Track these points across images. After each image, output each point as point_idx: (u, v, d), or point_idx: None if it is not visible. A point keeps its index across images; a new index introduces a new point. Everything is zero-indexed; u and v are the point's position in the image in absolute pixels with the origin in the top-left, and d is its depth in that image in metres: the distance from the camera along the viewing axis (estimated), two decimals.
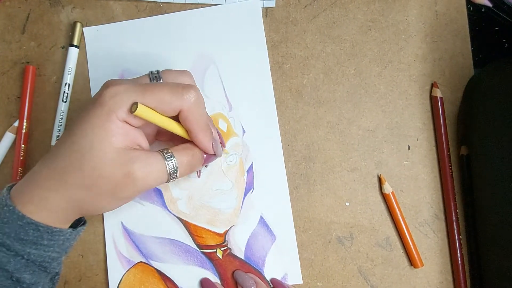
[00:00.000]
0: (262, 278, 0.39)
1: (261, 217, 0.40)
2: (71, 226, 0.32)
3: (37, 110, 0.41)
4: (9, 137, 0.40)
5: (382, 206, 0.41)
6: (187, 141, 0.34)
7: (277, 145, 0.41)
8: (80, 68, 0.42)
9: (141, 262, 0.39)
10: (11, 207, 0.28)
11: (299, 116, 0.42)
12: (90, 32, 0.42)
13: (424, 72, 0.42)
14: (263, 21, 0.42)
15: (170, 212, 0.40)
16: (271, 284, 0.39)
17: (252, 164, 0.41)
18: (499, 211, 0.35)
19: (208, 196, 0.40)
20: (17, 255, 0.28)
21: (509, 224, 0.34)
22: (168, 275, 0.39)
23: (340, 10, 0.42)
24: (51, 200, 0.29)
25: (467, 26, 0.42)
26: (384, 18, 0.42)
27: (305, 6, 0.43)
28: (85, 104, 0.31)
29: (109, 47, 0.42)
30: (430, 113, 0.42)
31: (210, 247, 0.40)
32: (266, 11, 0.42)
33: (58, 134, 0.40)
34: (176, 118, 0.32)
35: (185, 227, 0.40)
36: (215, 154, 0.34)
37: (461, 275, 0.39)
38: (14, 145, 0.41)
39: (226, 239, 0.40)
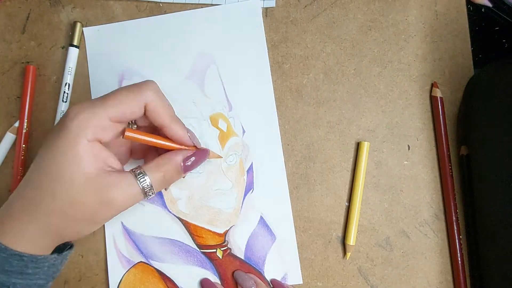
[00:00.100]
0: (262, 278, 0.39)
1: (261, 217, 0.40)
2: (58, 251, 0.32)
3: (37, 110, 0.41)
4: (9, 137, 0.40)
5: (382, 206, 0.41)
6: (160, 154, 0.34)
7: (277, 145, 0.41)
8: (80, 68, 0.42)
9: (141, 262, 0.39)
10: None
11: (299, 116, 0.42)
12: (90, 32, 0.42)
13: (424, 72, 0.42)
14: (263, 21, 0.42)
15: (170, 212, 0.40)
16: (271, 284, 0.39)
17: (252, 164, 0.41)
18: (499, 211, 0.35)
19: (208, 196, 0.40)
20: (2, 286, 0.28)
21: (509, 224, 0.34)
22: (168, 275, 0.39)
23: (340, 10, 0.43)
24: (29, 231, 0.29)
25: (467, 26, 0.42)
26: (384, 18, 0.42)
27: (305, 6, 0.43)
28: (52, 129, 0.31)
29: (109, 47, 0.42)
30: (430, 113, 0.42)
31: (210, 247, 0.40)
32: (266, 11, 0.42)
33: None
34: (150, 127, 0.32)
35: (185, 227, 0.40)
36: (203, 152, 0.34)
37: (461, 275, 0.39)
38: (14, 145, 0.41)
39: (226, 239, 0.40)
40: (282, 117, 0.41)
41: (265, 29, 0.42)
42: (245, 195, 0.40)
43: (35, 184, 0.29)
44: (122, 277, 0.39)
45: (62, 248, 0.32)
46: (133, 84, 0.31)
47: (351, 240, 0.39)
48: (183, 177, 0.37)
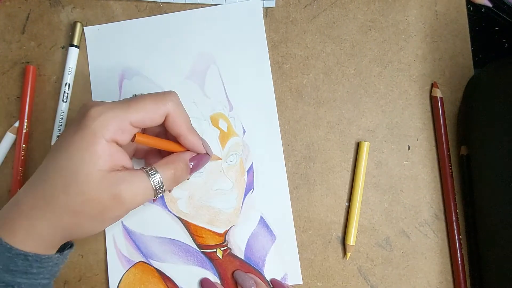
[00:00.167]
0: (262, 278, 0.39)
1: (261, 217, 0.40)
2: (59, 250, 0.32)
3: (37, 110, 0.41)
4: (9, 137, 0.40)
5: (382, 206, 0.41)
6: (163, 155, 0.35)
7: (278, 145, 0.41)
8: (80, 68, 0.42)
9: (141, 261, 0.39)
10: None
11: (299, 116, 0.42)
12: (90, 32, 0.42)
13: (424, 72, 0.42)
14: (263, 21, 0.42)
15: (170, 212, 0.40)
16: (271, 284, 0.39)
17: (252, 164, 0.41)
18: (499, 211, 0.35)
19: (208, 196, 0.40)
20: (7, 286, 0.28)
21: (509, 224, 0.34)
22: (168, 275, 0.39)
23: (340, 10, 0.43)
24: (38, 228, 0.29)
25: (467, 26, 0.42)
26: (384, 18, 0.42)
27: (305, 6, 0.43)
28: (67, 126, 0.31)
29: (110, 46, 0.42)
30: (430, 113, 0.42)
31: (210, 247, 0.40)
32: (266, 11, 0.42)
33: (58, 134, 0.40)
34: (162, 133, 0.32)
35: (185, 227, 0.40)
36: (207, 154, 0.35)
37: (461, 275, 0.39)
38: (14, 145, 0.41)
39: (226, 239, 0.40)
40: (282, 117, 0.41)
41: (265, 29, 0.42)
42: (245, 195, 0.40)
43: (48, 180, 0.29)
44: (122, 276, 0.39)
45: (63, 248, 0.33)
46: (156, 93, 0.32)
47: (351, 240, 0.39)
48: (187, 179, 0.37)
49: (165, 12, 0.42)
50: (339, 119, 0.42)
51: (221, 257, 0.40)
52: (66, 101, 0.41)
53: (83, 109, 0.30)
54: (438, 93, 0.41)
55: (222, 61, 0.42)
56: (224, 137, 0.41)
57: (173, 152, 0.34)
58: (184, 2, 0.42)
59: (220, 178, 0.40)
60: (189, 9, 0.42)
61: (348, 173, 0.41)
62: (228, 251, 0.40)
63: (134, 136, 0.31)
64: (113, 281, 0.39)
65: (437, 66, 0.42)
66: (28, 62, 0.42)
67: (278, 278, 0.40)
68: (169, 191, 0.40)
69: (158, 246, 0.40)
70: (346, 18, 0.42)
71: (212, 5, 0.42)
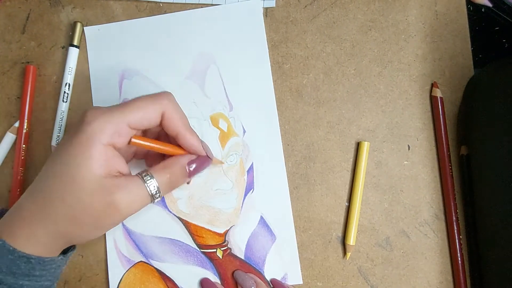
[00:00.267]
0: (262, 278, 0.39)
1: (261, 217, 0.40)
2: (62, 252, 0.32)
3: (37, 110, 0.41)
4: (9, 137, 0.40)
5: (382, 206, 0.41)
6: (163, 157, 0.34)
7: (278, 145, 0.41)
8: (80, 68, 0.42)
9: (141, 261, 0.39)
10: (0, 242, 0.28)
11: (299, 116, 0.42)
12: (91, 32, 0.42)
13: (424, 72, 0.42)
14: (264, 21, 0.42)
15: (170, 212, 0.40)
16: (271, 284, 0.39)
17: (252, 164, 0.41)
18: (499, 211, 0.35)
19: (208, 196, 0.40)
20: None
21: (509, 224, 0.34)
22: (168, 275, 0.39)
23: (340, 10, 0.43)
24: (39, 235, 0.29)
25: (467, 26, 0.42)
26: (384, 18, 0.42)
27: (305, 6, 0.43)
28: (66, 133, 0.31)
29: (110, 46, 0.42)
30: (430, 113, 0.42)
31: (210, 247, 0.40)
32: (266, 11, 0.42)
33: (58, 134, 0.40)
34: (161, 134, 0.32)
35: (185, 227, 0.40)
36: (207, 157, 0.34)
37: (461, 275, 0.39)
38: (14, 145, 0.41)
39: (226, 239, 0.40)
40: (282, 117, 0.41)
41: (265, 29, 0.42)
42: (245, 195, 0.40)
43: (46, 187, 0.29)
44: (122, 276, 0.39)
45: (65, 249, 0.33)
46: (151, 94, 0.32)
47: (351, 240, 0.39)
48: (188, 183, 0.37)
49: (165, 12, 0.42)
50: (339, 119, 0.42)
51: (221, 257, 0.40)
52: (66, 101, 0.41)
53: (81, 114, 0.30)
54: (438, 93, 0.41)
55: (222, 61, 0.42)
56: (224, 137, 0.41)
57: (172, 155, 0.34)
58: (184, 2, 0.42)
59: (220, 178, 0.40)
60: (189, 9, 0.42)
61: (348, 173, 0.41)
62: (228, 251, 0.40)
63: (130, 139, 0.31)
64: (113, 281, 0.39)
65: (437, 66, 0.42)
66: (28, 62, 0.42)
67: (278, 278, 0.40)
68: None
69: (158, 246, 0.40)
70: (346, 18, 0.42)
71: (212, 5, 0.42)
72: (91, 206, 0.28)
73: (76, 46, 0.41)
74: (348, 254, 0.40)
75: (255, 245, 0.40)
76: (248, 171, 0.41)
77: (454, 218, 0.40)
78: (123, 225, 0.40)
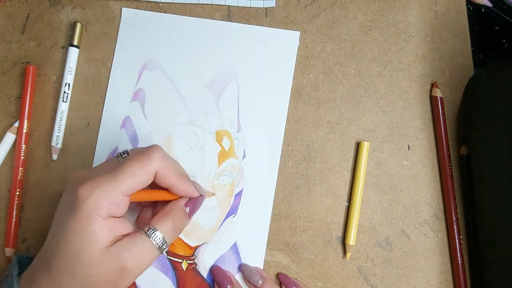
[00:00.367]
0: None
1: (235, 243, 0.40)
2: None
3: (37, 110, 0.41)
4: (9, 137, 0.40)
5: (382, 206, 0.41)
6: (155, 201, 0.34)
7: (273, 178, 0.40)
8: (80, 68, 0.42)
9: None
10: None
11: (299, 116, 0.42)
12: (127, 14, 0.42)
13: (424, 72, 0.42)
14: (263, 21, 0.42)
15: None
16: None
17: (242, 190, 0.40)
18: (499, 211, 0.35)
19: None
20: None
21: (509, 224, 0.34)
22: None
23: (340, 10, 0.43)
24: None
25: (467, 26, 0.42)
26: (384, 18, 0.42)
27: (305, 6, 0.43)
28: (60, 207, 0.30)
29: (142, 33, 0.42)
30: (430, 113, 0.42)
31: (177, 256, 0.40)
32: (266, 11, 0.42)
33: (58, 134, 0.40)
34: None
35: None
36: (201, 196, 0.34)
37: (461, 275, 0.39)
38: (14, 145, 0.41)
39: (195, 253, 0.40)
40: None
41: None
42: (226, 217, 0.40)
43: (54, 265, 0.29)
44: None
45: None
46: (140, 154, 0.31)
47: (351, 240, 0.39)
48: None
49: (165, 12, 0.42)
50: (339, 119, 0.42)
51: (184, 269, 0.39)
52: (66, 101, 0.41)
53: (73, 185, 0.29)
54: (438, 93, 0.41)
55: (244, 80, 0.41)
56: (223, 155, 0.41)
57: (167, 200, 0.33)
58: (184, 2, 0.42)
59: (206, 197, 0.40)
60: (189, 9, 0.42)
61: (348, 173, 0.41)
62: (194, 265, 0.40)
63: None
64: None
65: (437, 66, 0.42)
66: (28, 62, 0.42)
67: None
68: None
69: None
70: (346, 18, 0.42)
71: (212, 5, 0.42)
72: (102, 277, 0.28)
73: (76, 46, 0.41)
74: (348, 254, 0.40)
75: (221, 267, 0.40)
76: (236, 195, 0.40)
77: (454, 218, 0.40)
78: None
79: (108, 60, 0.42)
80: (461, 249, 0.39)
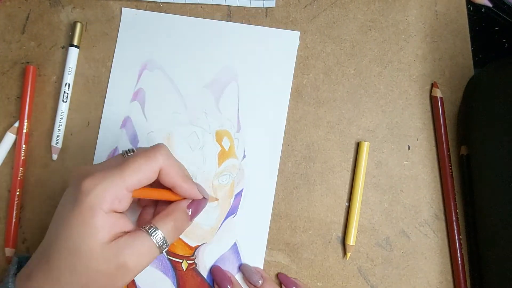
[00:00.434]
0: None
1: (235, 244, 0.40)
2: None
3: (37, 110, 0.41)
4: (9, 137, 0.40)
5: (382, 206, 0.41)
6: (156, 201, 0.34)
7: (273, 178, 0.40)
8: (80, 68, 0.42)
9: None
10: None
11: (299, 116, 0.42)
12: (127, 14, 0.42)
13: (424, 72, 0.42)
14: (263, 21, 0.42)
15: None
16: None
17: (242, 190, 0.40)
18: (499, 211, 0.35)
19: None
20: None
21: (509, 224, 0.34)
22: None
23: (340, 10, 0.43)
24: None
25: (467, 26, 0.42)
26: (384, 18, 0.42)
27: (305, 6, 0.43)
28: (62, 202, 0.30)
29: (142, 33, 0.42)
30: (430, 113, 0.42)
31: (177, 256, 0.40)
32: (266, 11, 0.42)
33: (58, 134, 0.40)
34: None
35: None
36: (204, 198, 0.34)
37: (461, 275, 0.39)
38: (14, 145, 0.41)
39: (195, 253, 0.40)
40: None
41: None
42: (226, 217, 0.40)
43: (52, 260, 0.29)
44: None
45: None
46: (145, 151, 0.31)
47: (351, 240, 0.39)
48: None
49: (165, 12, 0.42)
50: (339, 119, 0.42)
51: (184, 269, 0.39)
52: (66, 101, 0.41)
53: (76, 180, 0.29)
54: (438, 93, 0.41)
55: (244, 81, 0.41)
56: (223, 155, 0.41)
57: (169, 200, 0.33)
58: (184, 2, 0.42)
59: (209, 201, 0.40)
60: (188, 9, 0.42)
61: (348, 173, 0.41)
62: (194, 266, 0.40)
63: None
64: None
65: (437, 66, 0.42)
66: (28, 62, 0.42)
67: None
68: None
69: None
70: (346, 18, 0.42)
71: (212, 5, 0.42)
72: (101, 273, 0.28)
73: (76, 46, 0.41)
74: (348, 254, 0.40)
75: (221, 267, 0.40)
76: (236, 195, 0.40)
77: (454, 218, 0.40)
78: None
79: (108, 60, 0.42)
80: (461, 249, 0.39)
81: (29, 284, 0.29)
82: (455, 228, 0.40)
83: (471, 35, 0.42)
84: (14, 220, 0.39)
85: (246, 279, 0.39)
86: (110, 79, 0.41)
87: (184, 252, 0.40)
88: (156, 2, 0.42)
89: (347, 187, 0.41)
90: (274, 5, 0.42)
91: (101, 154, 0.41)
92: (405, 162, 0.41)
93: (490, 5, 0.42)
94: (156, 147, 0.31)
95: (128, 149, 0.32)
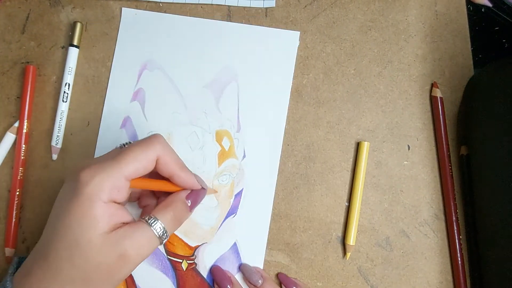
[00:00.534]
0: None
1: (235, 243, 0.40)
2: None
3: (37, 110, 0.41)
4: (9, 137, 0.40)
5: (382, 206, 0.41)
6: (155, 196, 0.34)
7: (273, 178, 0.41)
8: (80, 68, 0.42)
9: None
10: None
11: (299, 116, 0.42)
12: (127, 14, 0.42)
13: (424, 72, 0.42)
14: (263, 21, 0.42)
15: None
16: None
17: (242, 190, 0.40)
18: (499, 211, 0.35)
19: None
20: None
21: (509, 224, 0.34)
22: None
23: (340, 10, 0.43)
24: None
25: (467, 26, 0.42)
26: (384, 18, 0.42)
27: (305, 6, 0.43)
28: (60, 196, 0.30)
29: (142, 33, 0.42)
30: (430, 113, 0.42)
31: (177, 256, 0.40)
32: (266, 11, 0.42)
33: (58, 134, 0.40)
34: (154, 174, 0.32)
35: None
36: (203, 189, 0.34)
37: (461, 275, 0.39)
38: (14, 145, 0.41)
39: (195, 253, 0.40)
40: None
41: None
42: (226, 217, 0.40)
43: (52, 252, 0.28)
44: None
45: None
46: (142, 140, 0.31)
47: (351, 240, 0.39)
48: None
49: (165, 12, 0.42)
50: (339, 119, 0.42)
51: (184, 269, 0.39)
52: (66, 101, 0.41)
53: (74, 173, 0.29)
54: (438, 93, 0.41)
55: (244, 81, 0.41)
56: (223, 155, 0.41)
57: (168, 192, 0.33)
58: (184, 2, 0.42)
59: (207, 193, 0.40)
60: (188, 9, 0.42)
61: (348, 173, 0.41)
62: (194, 265, 0.40)
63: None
64: None
65: (437, 66, 0.42)
66: (28, 62, 0.42)
67: None
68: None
69: None
70: (346, 18, 0.42)
71: (212, 5, 0.42)
72: (101, 264, 0.28)
73: (76, 46, 0.41)
74: (348, 254, 0.40)
75: (221, 267, 0.40)
76: (236, 195, 0.40)
77: (454, 218, 0.40)
78: None
79: (108, 60, 0.42)
80: (461, 249, 0.39)
81: (27, 281, 0.29)
82: (455, 228, 0.40)
83: (471, 35, 0.42)
84: (14, 220, 0.39)
85: (246, 279, 0.39)
86: (110, 79, 0.41)
87: (184, 252, 0.40)
88: (156, 2, 0.42)
89: (347, 187, 0.41)
90: (274, 5, 0.42)
91: (101, 154, 0.41)
92: (405, 162, 0.41)
93: (490, 5, 0.42)
94: (153, 137, 0.31)
95: (125, 143, 0.32)
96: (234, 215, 0.40)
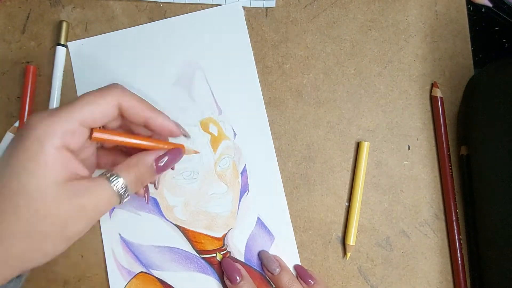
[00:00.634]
0: (263, 279, 0.39)
1: (259, 218, 0.40)
2: None
3: (37, 110, 0.41)
4: (9, 137, 0.40)
5: (382, 206, 0.41)
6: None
7: (269, 144, 0.41)
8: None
9: (141, 272, 0.39)
10: None
11: (299, 116, 0.42)
12: (74, 47, 0.41)
13: (424, 72, 0.42)
14: (263, 21, 0.42)
15: (167, 220, 0.40)
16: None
17: (245, 166, 0.41)
18: (499, 211, 0.35)
19: (204, 201, 0.40)
20: None
21: (509, 224, 0.34)
22: (169, 283, 0.39)
23: (340, 10, 0.43)
24: None
25: (467, 26, 0.42)
26: (384, 18, 0.42)
27: (305, 6, 0.43)
28: (7, 147, 0.27)
29: (95, 60, 0.41)
30: (430, 113, 0.42)
31: (209, 252, 0.40)
32: (266, 11, 0.42)
33: None
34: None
35: (183, 234, 0.40)
36: (178, 149, 0.32)
37: (461, 275, 0.39)
38: None
39: (225, 242, 0.40)
40: (282, 117, 0.41)
41: (265, 29, 0.42)
42: (240, 197, 0.40)
43: None
44: None
45: None
46: (99, 88, 0.29)
47: (351, 240, 0.39)
48: (156, 189, 0.36)
49: (165, 12, 0.42)
50: (339, 119, 0.42)
51: (220, 261, 0.40)
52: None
53: (26, 120, 0.27)
54: (438, 93, 0.41)
55: (207, 66, 0.41)
56: (215, 141, 0.41)
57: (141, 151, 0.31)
58: (184, 2, 0.42)
59: (214, 182, 0.40)
60: (188, 9, 0.42)
61: (348, 173, 0.41)
62: (228, 254, 0.40)
63: (91, 134, 0.28)
64: None
65: (437, 66, 0.42)
66: (28, 62, 0.42)
67: None
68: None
69: (157, 255, 0.39)
70: (346, 18, 0.42)
71: (212, 5, 0.42)
72: (53, 215, 0.25)
73: (64, 45, 0.41)
74: (348, 254, 0.40)
75: (254, 246, 0.40)
76: (241, 173, 0.41)
77: (454, 218, 0.40)
78: (121, 236, 0.39)
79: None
80: (461, 249, 0.39)
81: None
82: (455, 228, 0.40)
83: (471, 35, 0.42)
84: None
85: (264, 266, 0.39)
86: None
87: (213, 245, 0.40)
88: (156, 2, 0.42)
89: (347, 187, 0.41)
90: (274, 5, 0.42)
91: None
92: (405, 162, 0.41)
93: (490, 5, 0.42)
94: (110, 84, 0.29)
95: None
96: (247, 192, 0.40)
